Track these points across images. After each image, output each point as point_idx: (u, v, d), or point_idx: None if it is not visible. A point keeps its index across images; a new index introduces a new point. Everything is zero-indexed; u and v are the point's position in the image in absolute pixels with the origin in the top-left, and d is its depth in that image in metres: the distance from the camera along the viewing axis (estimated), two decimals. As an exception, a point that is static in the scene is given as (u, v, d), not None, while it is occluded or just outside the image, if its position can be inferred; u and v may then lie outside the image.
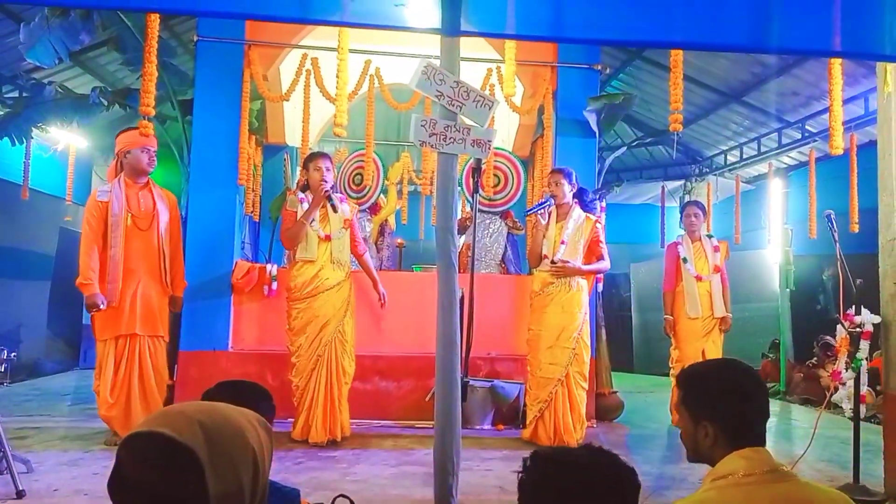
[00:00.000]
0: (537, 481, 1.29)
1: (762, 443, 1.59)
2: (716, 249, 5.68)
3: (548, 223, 5.00)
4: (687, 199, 11.06)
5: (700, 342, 5.57)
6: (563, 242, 4.95)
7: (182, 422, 0.98)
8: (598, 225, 5.08)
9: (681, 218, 5.88)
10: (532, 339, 4.96)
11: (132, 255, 4.56)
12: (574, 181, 5.10)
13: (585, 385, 4.97)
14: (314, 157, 4.90)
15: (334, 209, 4.80)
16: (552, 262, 4.90)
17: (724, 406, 1.60)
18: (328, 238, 4.76)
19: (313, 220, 4.73)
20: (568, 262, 4.89)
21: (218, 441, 0.99)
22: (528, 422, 4.96)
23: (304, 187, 4.89)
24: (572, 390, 4.87)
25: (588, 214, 5.09)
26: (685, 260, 5.59)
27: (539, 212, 5.04)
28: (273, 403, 2.07)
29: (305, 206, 4.78)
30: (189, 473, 0.96)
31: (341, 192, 6.87)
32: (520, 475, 1.32)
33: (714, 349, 5.60)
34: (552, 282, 4.92)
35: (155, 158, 4.73)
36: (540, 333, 4.90)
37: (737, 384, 1.64)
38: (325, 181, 4.77)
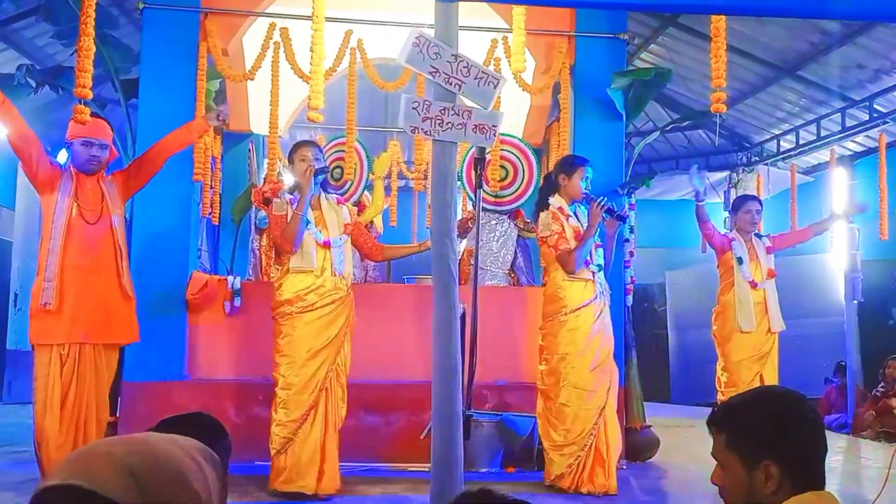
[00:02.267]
0: None
1: (823, 485, 1.59)
2: (768, 251, 5.70)
3: (577, 224, 5.01)
4: (733, 193, 11.08)
5: (757, 364, 5.56)
6: (598, 246, 4.99)
7: (107, 469, 0.92)
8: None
9: (731, 216, 5.89)
10: (572, 366, 4.90)
11: (75, 252, 4.50)
12: None
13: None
14: (299, 146, 4.88)
15: (325, 190, 4.79)
16: (616, 216, 4.89)
17: (790, 440, 1.60)
18: (327, 245, 4.68)
19: (309, 222, 4.68)
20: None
21: (155, 490, 0.92)
22: (564, 466, 4.83)
23: (294, 188, 4.85)
24: (613, 417, 4.92)
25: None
26: (740, 260, 5.58)
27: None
28: (229, 443, 2.05)
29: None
30: None
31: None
32: None
33: (772, 375, 5.60)
34: (595, 295, 4.93)
35: (102, 154, 4.65)
36: (584, 356, 4.88)
37: (799, 413, 1.64)
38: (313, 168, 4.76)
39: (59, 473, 0.94)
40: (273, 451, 4.55)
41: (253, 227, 7.43)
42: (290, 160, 4.87)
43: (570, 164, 5.13)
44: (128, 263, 4.74)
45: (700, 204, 5.68)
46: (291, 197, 4.77)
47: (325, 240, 4.67)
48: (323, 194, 4.85)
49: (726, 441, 1.66)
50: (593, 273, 4.93)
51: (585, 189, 4.99)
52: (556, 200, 5.04)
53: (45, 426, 4.35)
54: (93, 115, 4.74)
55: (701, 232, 5.76)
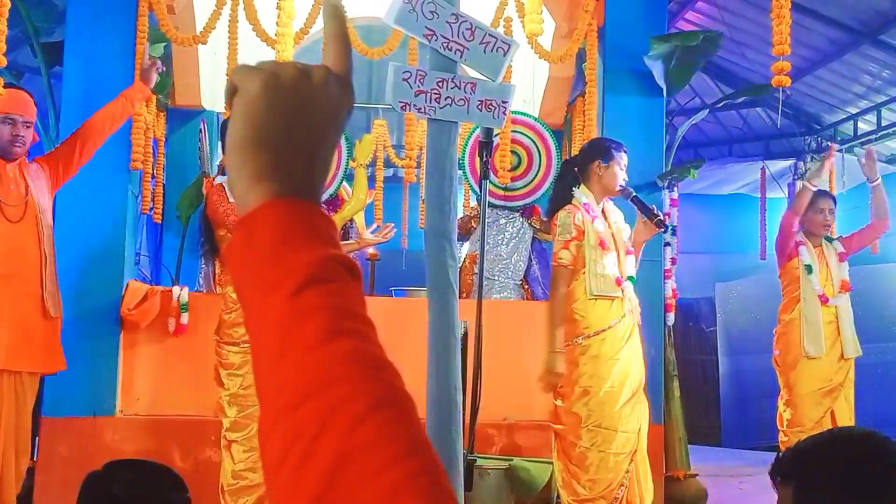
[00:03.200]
0: None
1: None
2: (841, 258, 5.70)
3: (604, 228, 4.95)
4: (800, 186, 11.10)
5: (827, 399, 5.56)
6: (629, 253, 4.94)
7: None
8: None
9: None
10: (591, 399, 4.89)
11: None
12: None
13: None
14: None
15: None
16: (657, 221, 4.82)
17: (873, 492, 1.61)
18: None
19: None
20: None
21: None
22: None
23: None
24: (645, 459, 4.90)
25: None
26: (809, 269, 5.59)
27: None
28: (188, 496, 2.08)
29: None
30: None
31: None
32: None
33: (847, 410, 5.60)
34: (623, 313, 4.90)
35: (28, 133, 4.66)
36: (612, 390, 4.86)
37: (884, 459, 1.65)
38: None
39: None
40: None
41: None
42: None
43: (607, 149, 4.94)
44: (54, 273, 4.73)
45: (809, 188, 5.67)
46: None
47: None
48: None
49: (794, 495, 1.67)
50: (623, 290, 4.89)
51: (623, 181, 4.93)
52: (581, 194, 4.94)
53: None
54: (8, 85, 4.74)
55: (783, 224, 5.73)
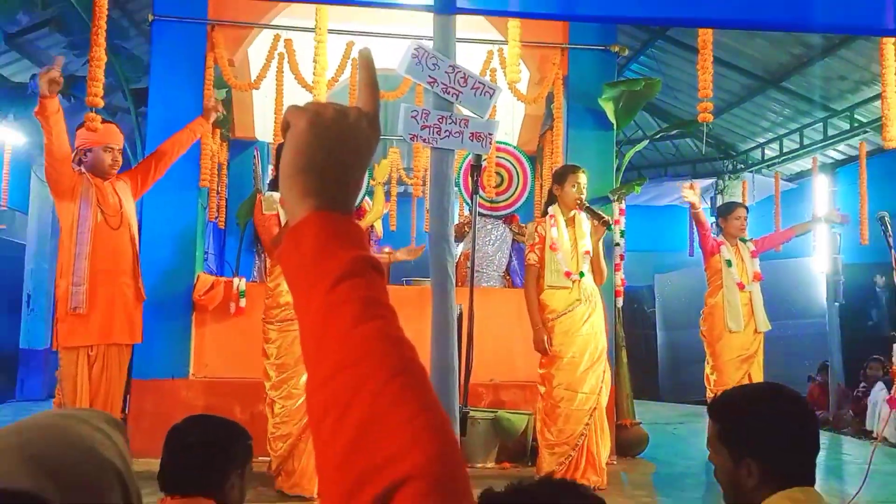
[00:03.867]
0: None
1: (812, 482, 1.59)
2: (753, 255, 5.69)
3: (557, 233, 4.95)
4: (720, 199, 11.08)
5: (745, 364, 5.55)
6: (586, 253, 4.92)
7: (8, 462, 0.83)
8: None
9: (717, 221, 5.89)
10: (559, 368, 4.89)
11: (101, 256, 4.51)
12: None
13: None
14: None
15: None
16: (602, 221, 4.81)
17: (773, 441, 1.60)
18: None
19: None
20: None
21: (66, 472, 0.84)
22: (554, 464, 4.81)
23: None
24: (604, 419, 4.90)
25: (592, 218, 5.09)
26: (729, 263, 5.58)
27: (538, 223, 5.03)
28: (251, 444, 2.06)
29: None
30: None
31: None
32: None
33: (759, 374, 5.59)
34: (579, 298, 4.89)
35: (120, 158, 4.70)
36: (572, 360, 4.86)
37: (787, 414, 1.64)
38: None
39: None
40: (276, 453, 4.53)
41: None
42: None
43: (560, 174, 5.09)
44: (139, 265, 4.75)
45: (697, 211, 5.65)
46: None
47: None
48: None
49: (718, 432, 1.67)
50: (573, 281, 4.90)
51: (578, 195, 4.93)
52: (553, 210, 5.03)
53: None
54: (104, 121, 4.75)
55: (699, 233, 5.71)
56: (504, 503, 1.19)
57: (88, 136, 4.64)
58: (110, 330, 4.50)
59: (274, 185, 4.84)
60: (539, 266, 4.96)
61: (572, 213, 4.98)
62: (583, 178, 4.96)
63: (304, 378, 4.45)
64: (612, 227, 4.89)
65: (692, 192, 5.56)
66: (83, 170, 4.62)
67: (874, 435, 7.00)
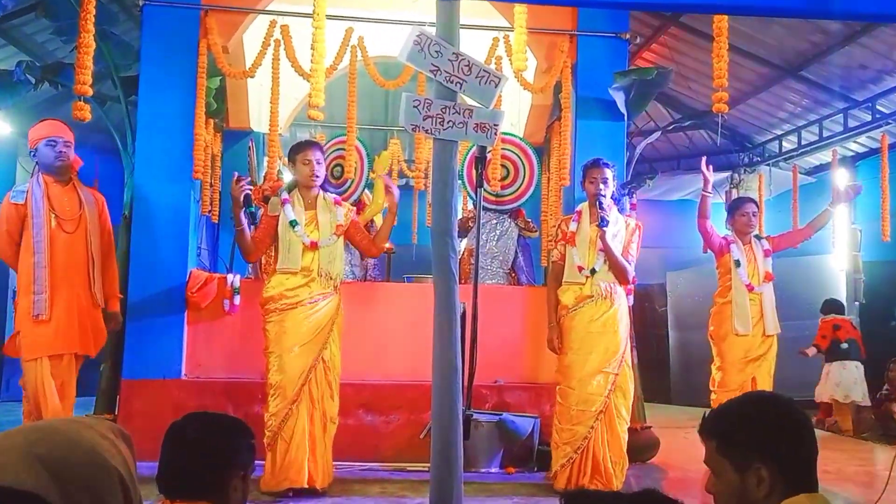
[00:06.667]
0: None
1: (816, 487, 1.59)
2: (766, 254, 5.68)
3: (578, 228, 4.99)
4: (734, 193, 11.08)
5: (751, 367, 5.56)
6: (600, 250, 4.92)
7: (15, 461, 0.88)
8: (637, 232, 5.09)
9: (729, 217, 5.86)
10: (567, 365, 4.92)
11: (59, 262, 4.59)
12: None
13: (628, 418, 4.96)
14: (301, 147, 4.89)
15: (252, 218, 4.78)
16: (600, 224, 4.81)
17: (782, 441, 1.61)
18: (314, 246, 4.72)
19: (297, 224, 4.72)
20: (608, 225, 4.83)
21: (69, 475, 0.89)
22: (557, 465, 4.88)
23: (292, 186, 4.88)
24: (614, 425, 4.86)
25: (627, 219, 5.11)
26: (738, 263, 5.57)
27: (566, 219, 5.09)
28: (255, 443, 2.05)
29: (289, 209, 4.75)
30: None
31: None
32: None
33: (766, 377, 5.58)
34: (591, 294, 4.91)
35: (68, 150, 4.69)
36: (578, 357, 4.87)
37: (791, 413, 1.65)
38: (316, 176, 4.78)
39: None
40: (267, 441, 4.59)
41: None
42: (292, 160, 4.87)
43: (582, 170, 5.19)
44: (99, 271, 4.77)
45: (706, 195, 5.64)
46: (286, 197, 4.80)
47: (311, 241, 4.71)
48: (322, 194, 4.88)
49: (717, 447, 1.68)
50: (586, 277, 4.92)
51: (597, 190, 4.94)
52: (582, 206, 5.12)
53: (52, 413, 4.43)
54: (46, 119, 4.82)
55: (699, 229, 5.71)
56: (595, 501, 1.20)
57: (34, 131, 4.72)
58: (69, 338, 4.56)
59: (291, 186, 4.88)
60: (561, 263, 5.04)
61: (594, 207, 5.01)
62: (599, 174, 4.96)
63: (291, 356, 4.56)
64: (604, 223, 4.85)
65: (708, 171, 5.55)
66: (39, 169, 4.69)
67: None
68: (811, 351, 8.32)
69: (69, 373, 4.60)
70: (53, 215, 4.60)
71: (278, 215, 4.75)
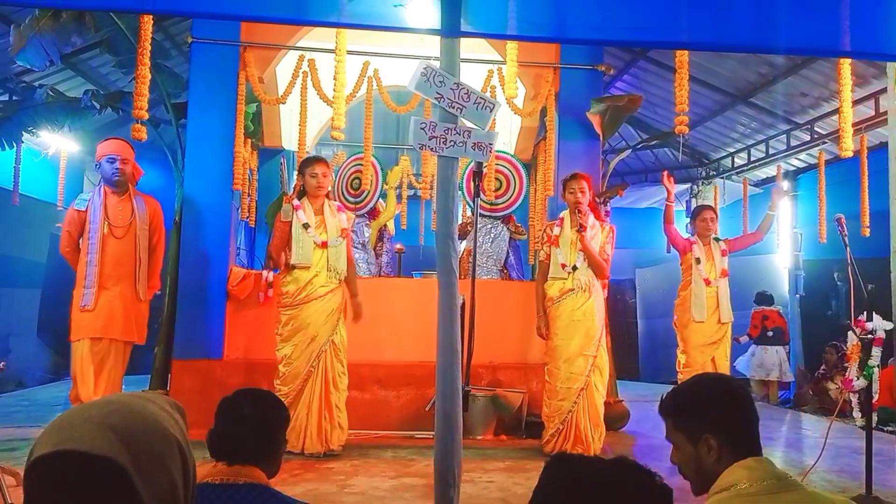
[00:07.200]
0: (557, 484, 1.21)
1: (759, 452, 1.59)
2: (723, 254, 5.67)
3: (560, 231, 4.99)
4: (694, 202, 11.06)
5: (709, 349, 5.55)
6: (579, 250, 4.92)
7: (91, 430, 0.88)
8: (611, 234, 5.08)
9: (691, 221, 5.86)
10: (553, 348, 4.92)
11: (108, 263, 4.63)
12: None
13: (604, 393, 4.96)
14: (309, 162, 4.88)
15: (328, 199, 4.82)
16: (579, 229, 4.83)
17: (724, 413, 1.61)
18: (325, 245, 4.74)
19: (309, 227, 4.73)
20: (585, 230, 4.83)
21: (137, 442, 0.90)
22: (548, 434, 4.89)
23: (301, 194, 4.87)
24: (593, 400, 4.86)
25: (602, 223, 5.10)
26: (698, 261, 5.57)
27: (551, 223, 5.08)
28: (287, 413, 2.07)
29: (301, 214, 4.75)
30: (114, 489, 0.86)
31: (338, 199, 6.88)
32: (540, 476, 1.25)
33: (723, 359, 5.58)
34: (572, 288, 4.91)
35: (124, 167, 4.69)
36: (562, 342, 4.87)
37: (730, 390, 1.66)
38: (321, 187, 4.78)
39: (46, 443, 0.89)
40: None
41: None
42: (301, 173, 4.87)
43: (562, 183, 5.18)
44: (146, 270, 4.79)
45: (670, 205, 5.65)
46: (298, 203, 4.78)
47: (322, 241, 4.72)
48: (327, 202, 4.87)
49: (673, 423, 1.68)
50: (568, 273, 4.92)
51: (576, 199, 4.93)
52: (564, 213, 5.10)
53: (80, 393, 4.53)
54: (111, 138, 4.85)
55: (665, 232, 5.73)
56: (578, 463, 1.20)
57: (98, 149, 4.75)
58: (112, 325, 4.60)
59: (301, 194, 4.86)
60: (547, 261, 5.03)
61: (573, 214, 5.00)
62: (577, 184, 4.95)
63: (289, 347, 4.57)
64: (581, 229, 4.85)
65: (670, 183, 5.57)
66: (101, 181, 4.72)
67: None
68: (743, 339, 8.58)
69: (110, 354, 4.62)
70: (107, 223, 4.62)
71: (291, 221, 4.75)
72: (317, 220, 4.78)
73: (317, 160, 4.91)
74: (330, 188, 4.94)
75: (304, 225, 4.73)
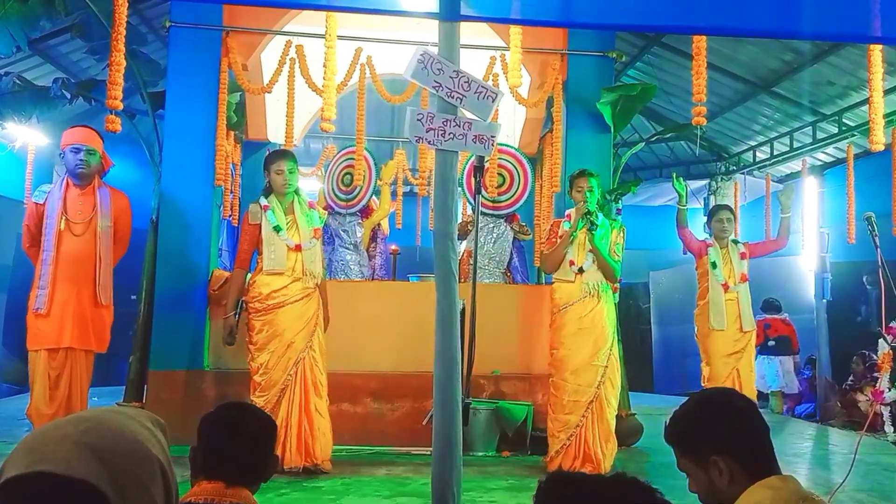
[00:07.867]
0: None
1: (778, 470, 1.59)
2: (742, 257, 5.68)
3: (572, 228, 4.97)
4: (712, 200, 11.07)
5: (732, 360, 5.55)
6: (590, 251, 4.91)
7: (67, 450, 0.87)
8: (621, 234, 5.08)
9: (707, 222, 5.88)
10: (560, 358, 4.90)
11: (64, 261, 4.54)
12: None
13: (615, 406, 4.95)
14: (274, 157, 4.83)
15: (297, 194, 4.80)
16: (590, 227, 4.83)
17: (726, 432, 1.61)
18: (298, 248, 4.72)
19: (281, 229, 4.71)
20: (596, 227, 4.84)
21: (117, 463, 0.88)
22: (552, 451, 4.88)
23: (268, 192, 4.84)
24: (603, 413, 4.83)
25: (611, 222, 5.11)
26: (714, 265, 5.58)
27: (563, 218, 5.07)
28: (276, 428, 2.08)
29: (270, 214, 4.72)
30: None
31: (329, 196, 6.88)
32: (533, 497, 1.26)
33: (748, 370, 5.59)
34: (579, 292, 4.89)
35: (90, 158, 4.63)
36: (569, 352, 4.85)
37: (729, 406, 1.64)
38: (289, 184, 4.73)
39: (18, 463, 0.87)
40: None
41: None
42: (266, 170, 4.83)
43: (569, 180, 5.19)
44: (109, 271, 4.71)
45: (681, 208, 5.67)
46: (266, 203, 4.75)
47: (295, 244, 4.71)
48: (296, 199, 4.84)
49: (679, 451, 1.68)
50: (575, 275, 4.90)
51: (584, 199, 4.93)
52: (571, 210, 5.09)
53: (39, 407, 4.46)
54: (78, 125, 4.79)
55: (679, 235, 5.76)
56: (571, 482, 1.21)
57: (63, 137, 4.69)
58: (67, 333, 4.50)
59: (267, 192, 4.82)
60: (549, 252, 5.03)
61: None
62: (585, 183, 4.95)
63: (268, 355, 4.54)
64: (593, 227, 4.85)
65: (679, 185, 5.59)
66: (65, 172, 4.68)
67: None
68: None
69: (67, 366, 4.53)
70: (65, 218, 4.56)
71: (260, 223, 4.72)
72: (288, 220, 4.75)
73: (282, 155, 4.86)
74: (297, 185, 4.89)
75: (275, 227, 4.70)
